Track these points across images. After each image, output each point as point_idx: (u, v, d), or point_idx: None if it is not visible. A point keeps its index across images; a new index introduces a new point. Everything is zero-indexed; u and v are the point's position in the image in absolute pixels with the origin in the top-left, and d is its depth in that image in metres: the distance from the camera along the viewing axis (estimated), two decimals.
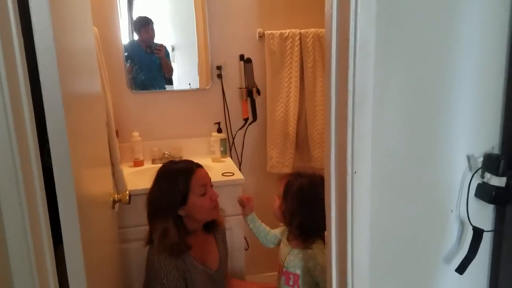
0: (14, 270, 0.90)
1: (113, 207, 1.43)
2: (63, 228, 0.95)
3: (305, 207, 1.46)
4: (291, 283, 1.53)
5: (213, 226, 1.69)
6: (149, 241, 1.58)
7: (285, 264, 1.55)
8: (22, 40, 0.86)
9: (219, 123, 2.35)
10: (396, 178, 0.99)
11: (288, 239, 1.58)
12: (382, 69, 0.93)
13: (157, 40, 2.29)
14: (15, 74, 0.86)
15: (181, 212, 1.53)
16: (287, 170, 2.41)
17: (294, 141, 2.41)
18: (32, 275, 0.91)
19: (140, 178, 2.11)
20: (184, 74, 2.38)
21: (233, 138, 2.43)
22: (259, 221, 1.74)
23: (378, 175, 0.97)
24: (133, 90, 2.28)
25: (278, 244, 1.70)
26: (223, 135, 2.34)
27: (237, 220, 1.94)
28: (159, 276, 1.46)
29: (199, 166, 1.59)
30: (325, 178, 1.07)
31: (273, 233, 1.73)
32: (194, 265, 1.54)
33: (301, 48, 2.32)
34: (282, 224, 1.66)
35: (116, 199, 1.42)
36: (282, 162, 2.42)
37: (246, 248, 2.28)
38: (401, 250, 1.02)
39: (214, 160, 2.30)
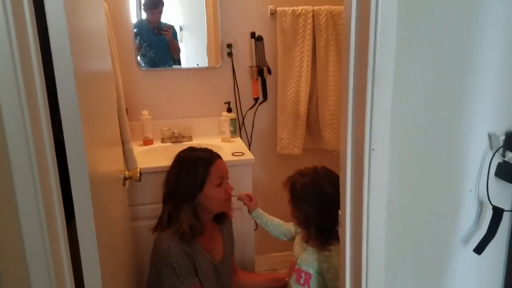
0: (27, 245, 0.89)
1: (124, 184, 1.42)
2: (75, 202, 0.95)
3: (315, 206, 1.41)
4: (302, 282, 1.50)
5: (222, 218, 1.69)
6: (158, 226, 1.56)
7: (298, 262, 1.51)
8: (34, 18, 0.85)
9: (229, 103, 2.33)
10: (415, 156, 0.96)
11: (302, 238, 1.55)
12: (403, 45, 0.89)
13: (165, 20, 2.25)
14: (27, 51, 0.84)
15: (196, 200, 1.51)
16: (297, 151, 2.39)
17: (305, 122, 2.38)
18: (45, 250, 0.90)
19: (149, 156, 2.11)
20: (193, 54, 2.35)
21: (243, 118, 2.40)
22: (266, 215, 1.71)
23: (397, 153, 0.95)
24: (142, 68, 2.25)
25: (292, 239, 1.68)
26: (233, 114, 2.32)
27: None
28: (168, 259, 1.45)
29: (219, 156, 1.58)
30: (341, 155, 1.05)
31: (286, 228, 1.70)
32: (201, 252, 1.54)
33: (313, 26, 2.27)
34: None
35: (127, 176, 1.41)
36: (292, 143, 2.39)
37: (255, 229, 2.28)
38: (418, 230, 1.01)
39: (223, 140, 2.29)
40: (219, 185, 1.52)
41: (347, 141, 1.01)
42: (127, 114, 2.09)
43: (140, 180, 1.42)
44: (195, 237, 1.50)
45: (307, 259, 1.48)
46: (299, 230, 1.62)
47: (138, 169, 1.43)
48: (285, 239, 1.71)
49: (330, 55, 2.31)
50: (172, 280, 1.46)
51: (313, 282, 1.47)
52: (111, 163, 1.29)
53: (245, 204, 1.69)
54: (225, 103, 2.33)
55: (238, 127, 2.38)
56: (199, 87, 2.33)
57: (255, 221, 1.76)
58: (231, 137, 2.31)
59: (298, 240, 1.57)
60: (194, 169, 1.49)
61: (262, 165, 2.47)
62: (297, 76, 2.32)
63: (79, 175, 0.94)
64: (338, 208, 1.40)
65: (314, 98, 2.39)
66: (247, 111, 2.40)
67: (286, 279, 1.69)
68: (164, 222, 1.52)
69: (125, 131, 1.64)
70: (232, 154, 2.01)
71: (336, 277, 1.39)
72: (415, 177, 0.97)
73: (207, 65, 2.32)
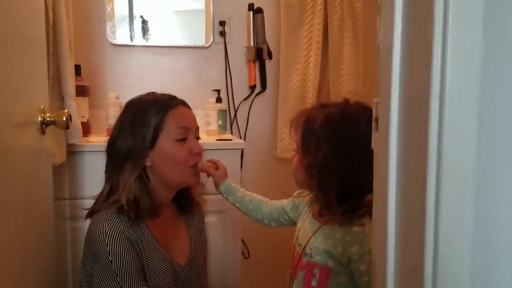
0: None
1: (43, 132, 0.92)
2: None
3: (343, 149, 0.89)
4: (314, 284, 0.93)
5: (188, 206, 1.16)
6: (94, 208, 1.06)
7: (308, 251, 0.95)
8: None
9: (218, 91, 1.87)
10: None
11: (313, 215, 1.01)
12: None
13: None
14: None
15: (147, 162, 1.02)
16: None
17: None
18: None
19: None
20: (177, 29, 1.93)
21: (236, 111, 1.93)
22: (242, 190, 1.16)
23: None
24: (113, 41, 1.82)
25: (287, 223, 1.12)
26: (222, 105, 1.85)
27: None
28: (102, 249, 0.93)
29: (184, 103, 1.10)
30: None
31: (276, 207, 1.13)
32: (155, 246, 1.02)
33: (325, 2, 1.87)
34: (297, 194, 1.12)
35: (48, 119, 0.91)
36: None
37: (246, 257, 1.74)
38: None
39: (209, 134, 1.80)
40: (181, 140, 1.03)
41: None
42: (88, 95, 1.66)
43: (68, 127, 0.93)
44: (143, 214, 0.99)
45: (323, 244, 0.93)
46: (302, 205, 1.08)
47: (66, 110, 0.93)
48: (273, 224, 1.14)
49: (346, 37, 1.89)
50: (105, 283, 0.92)
51: (332, 283, 0.91)
52: (12, 95, 0.81)
53: (209, 175, 1.13)
54: (213, 90, 1.87)
55: (229, 122, 1.90)
56: (182, 70, 1.89)
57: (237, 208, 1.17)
58: (220, 133, 1.83)
59: (304, 221, 1.03)
60: (142, 114, 1.02)
61: (256, 172, 1.96)
62: (304, 62, 1.89)
63: None
64: None
65: (324, 89, 1.94)
66: (241, 102, 1.93)
67: None
68: (102, 199, 1.01)
69: (64, 80, 1.17)
70: (216, 140, 1.53)
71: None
72: None
73: (193, 44, 1.90)
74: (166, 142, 1.01)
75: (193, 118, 1.09)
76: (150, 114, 1.01)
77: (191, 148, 1.04)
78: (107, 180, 1.04)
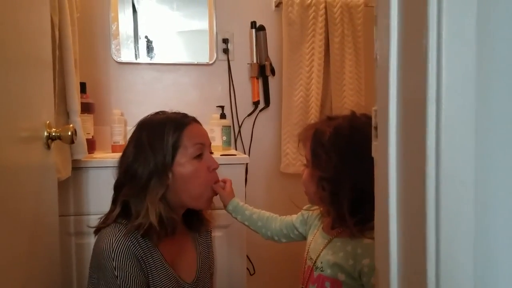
0: None
1: (49, 147, 0.94)
2: None
3: (352, 160, 0.87)
4: None
5: (197, 224, 1.15)
6: (101, 224, 1.04)
7: (319, 264, 0.95)
8: None
9: (222, 107, 1.89)
10: None
11: (324, 229, 1.00)
12: None
13: None
14: None
15: (165, 179, 1.01)
16: None
17: None
18: None
19: None
20: (181, 47, 1.97)
21: (240, 127, 1.94)
22: (250, 208, 1.16)
23: None
24: (118, 59, 1.86)
25: (297, 238, 1.12)
26: (226, 121, 1.87)
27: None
28: (108, 264, 0.93)
29: (196, 120, 1.10)
30: None
31: (286, 222, 1.13)
32: (163, 264, 1.02)
33: (326, 19, 1.90)
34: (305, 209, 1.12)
35: (54, 134, 0.93)
36: (300, 159, 1.91)
37: (252, 273, 1.73)
38: None
39: (213, 149, 1.79)
40: (198, 157, 1.03)
41: None
42: (93, 112, 1.69)
43: (73, 142, 0.94)
44: (162, 235, 0.98)
45: (334, 257, 0.92)
46: (312, 219, 1.08)
47: (71, 125, 0.95)
48: (283, 240, 1.14)
49: (347, 53, 1.92)
50: None
51: None
52: (18, 111, 0.83)
53: (217, 193, 1.12)
54: (217, 106, 1.89)
55: (233, 137, 1.92)
56: (186, 88, 1.91)
57: (246, 225, 1.16)
58: (224, 149, 1.84)
59: (315, 234, 1.02)
60: (159, 133, 1.01)
61: (261, 186, 1.96)
62: (306, 78, 1.91)
63: None
64: None
65: (327, 104, 1.96)
66: (245, 118, 1.95)
67: None
68: (112, 219, 1.00)
69: (71, 97, 1.19)
70: (220, 155, 1.54)
71: None
72: None
73: (196, 61, 1.93)
74: (184, 160, 1.01)
75: (206, 134, 1.09)
76: (167, 133, 1.00)
77: (209, 165, 1.05)
78: (119, 199, 1.01)
